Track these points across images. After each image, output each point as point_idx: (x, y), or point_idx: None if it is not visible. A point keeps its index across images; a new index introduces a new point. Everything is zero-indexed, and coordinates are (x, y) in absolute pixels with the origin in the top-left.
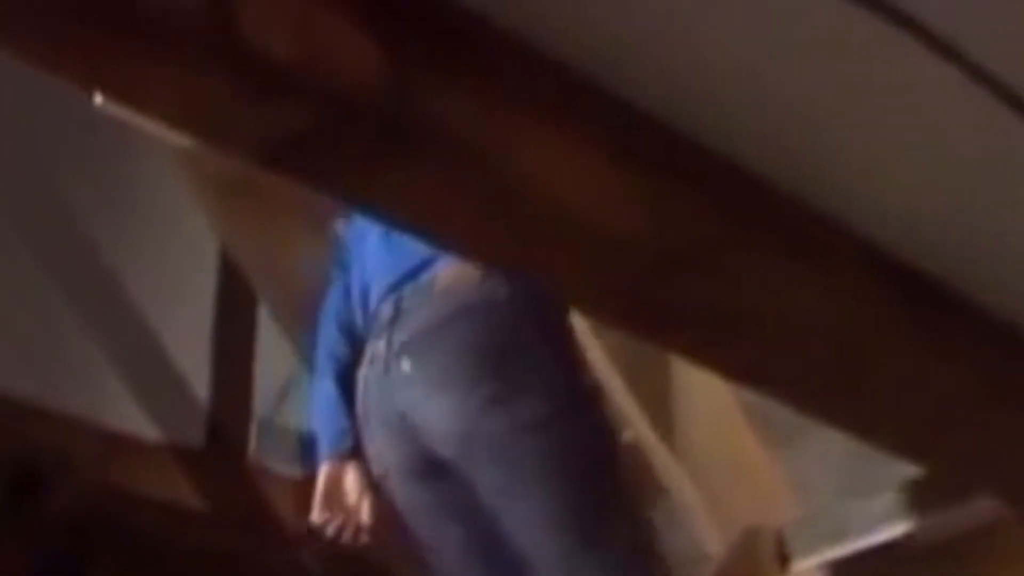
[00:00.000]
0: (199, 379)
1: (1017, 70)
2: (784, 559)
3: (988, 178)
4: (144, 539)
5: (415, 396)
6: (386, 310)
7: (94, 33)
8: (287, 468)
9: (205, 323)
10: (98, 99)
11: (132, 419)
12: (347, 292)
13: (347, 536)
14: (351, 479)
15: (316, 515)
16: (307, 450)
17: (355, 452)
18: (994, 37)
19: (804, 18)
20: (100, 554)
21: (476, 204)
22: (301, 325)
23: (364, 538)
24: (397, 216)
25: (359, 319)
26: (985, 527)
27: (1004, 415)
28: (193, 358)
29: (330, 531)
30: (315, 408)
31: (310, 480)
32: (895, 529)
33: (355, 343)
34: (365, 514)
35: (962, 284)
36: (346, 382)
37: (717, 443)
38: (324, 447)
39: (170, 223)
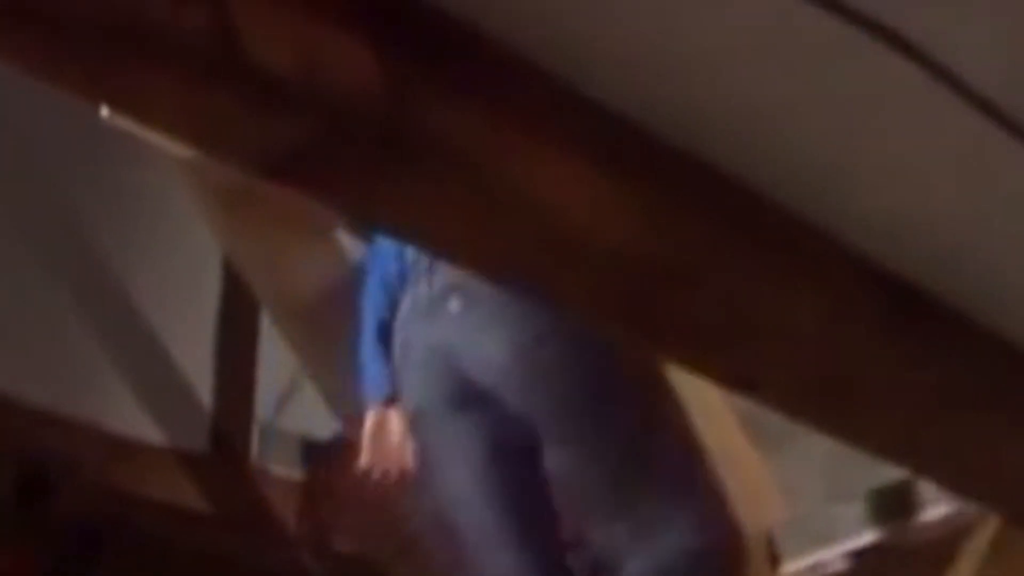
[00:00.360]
0: (202, 385)
1: (995, 81)
2: (775, 560)
3: (969, 186)
4: (149, 540)
5: (462, 331)
6: (425, 258)
7: (99, 48)
8: (288, 471)
9: (208, 330)
10: (104, 111)
11: (137, 424)
12: (385, 258)
13: (392, 479)
14: (395, 423)
15: (363, 460)
16: (308, 453)
17: (396, 399)
18: (966, 45)
19: (790, 30)
20: (106, 555)
21: (472, 215)
22: (301, 331)
23: (407, 480)
24: (395, 225)
25: (395, 273)
26: (969, 529)
27: (987, 420)
28: (197, 364)
29: (376, 475)
30: (361, 361)
31: (311, 482)
32: (883, 531)
33: (393, 303)
34: (408, 457)
35: (947, 293)
36: (386, 337)
37: (709, 445)
38: (369, 394)
39: (175, 233)
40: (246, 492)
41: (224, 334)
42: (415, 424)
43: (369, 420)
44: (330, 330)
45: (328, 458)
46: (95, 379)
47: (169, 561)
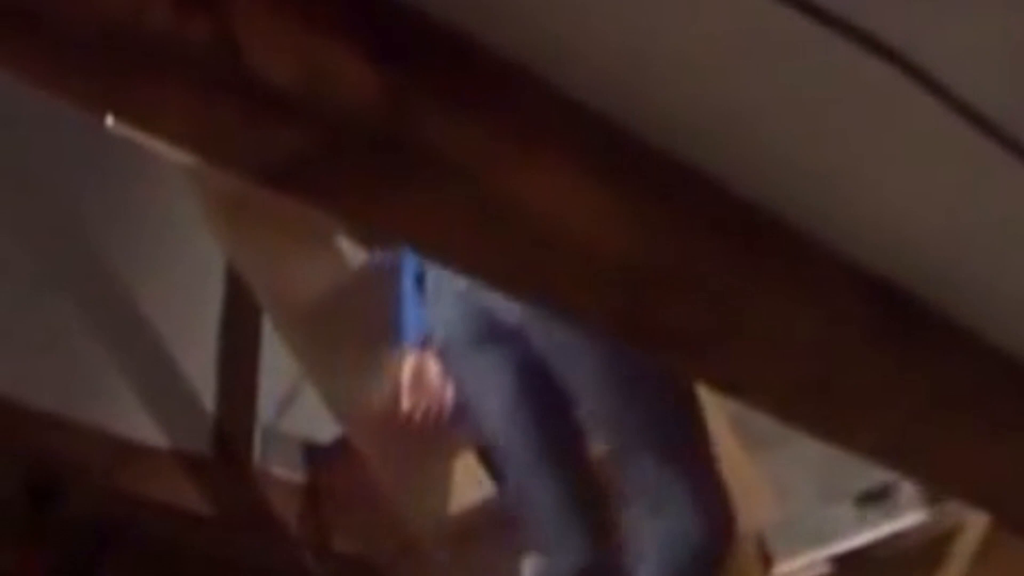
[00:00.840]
0: (206, 389)
1: (983, 90)
2: (767, 561)
3: (958, 195)
4: (153, 541)
5: None
6: None
7: (104, 60)
8: (289, 473)
9: (212, 337)
10: (109, 121)
11: (142, 427)
12: None
13: (432, 417)
14: (433, 367)
15: (404, 402)
16: (309, 455)
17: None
18: (951, 51)
19: (772, 36)
20: (112, 555)
21: (469, 224)
22: (302, 336)
23: (446, 418)
24: (393, 233)
25: None
26: (957, 530)
27: (975, 423)
28: (200, 369)
29: (418, 416)
30: (401, 304)
31: (312, 484)
32: (873, 532)
33: None
34: (448, 396)
35: (937, 299)
36: (423, 284)
37: None
38: (409, 337)
39: (180, 242)
40: (248, 494)
41: (227, 340)
42: (444, 357)
43: (408, 364)
44: (330, 334)
45: (329, 460)
46: (102, 384)
47: (173, 561)
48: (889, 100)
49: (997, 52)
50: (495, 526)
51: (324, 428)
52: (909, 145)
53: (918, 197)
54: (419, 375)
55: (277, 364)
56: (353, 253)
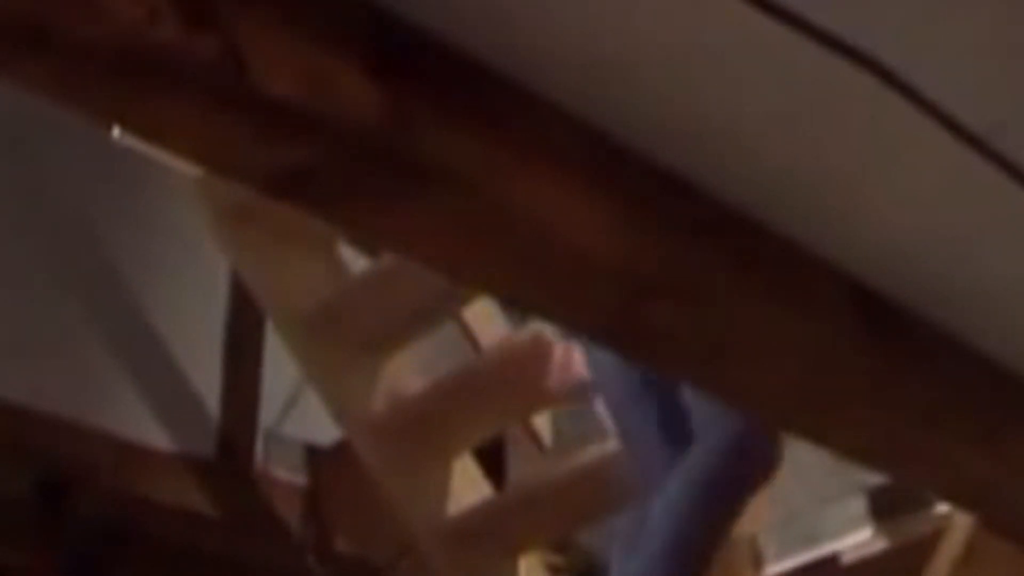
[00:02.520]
0: (210, 394)
1: (968, 102)
2: (759, 563)
3: (950, 207)
4: (159, 541)
5: None
6: None
7: (115, 76)
8: (292, 476)
9: (216, 343)
10: (116, 132)
11: (149, 432)
12: None
13: (575, 389)
14: (577, 354)
15: (553, 380)
16: (311, 458)
17: None
18: (941, 71)
19: (762, 51)
20: (119, 556)
21: (467, 233)
22: (304, 341)
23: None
24: (394, 242)
25: None
26: (941, 531)
27: (960, 426)
28: (205, 375)
29: (563, 392)
30: None
31: (314, 486)
32: (864, 534)
33: None
34: (584, 373)
35: (919, 302)
36: None
37: None
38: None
39: (186, 251)
40: (251, 496)
41: (231, 346)
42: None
43: (557, 350)
44: (331, 339)
45: (330, 463)
46: (109, 389)
47: (178, 562)
48: (872, 108)
49: (979, 63)
50: (494, 527)
51: (325, 431)
52: (893, 153)
53: (902, 204)
54: (568, 359)
55: (279, 369)
56: (354, 260)
